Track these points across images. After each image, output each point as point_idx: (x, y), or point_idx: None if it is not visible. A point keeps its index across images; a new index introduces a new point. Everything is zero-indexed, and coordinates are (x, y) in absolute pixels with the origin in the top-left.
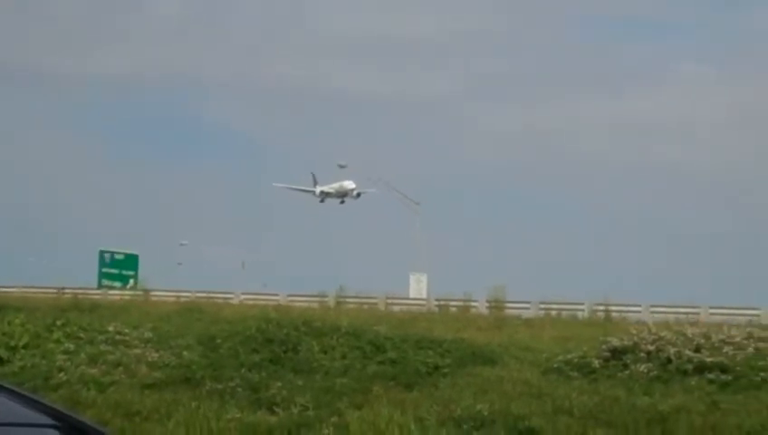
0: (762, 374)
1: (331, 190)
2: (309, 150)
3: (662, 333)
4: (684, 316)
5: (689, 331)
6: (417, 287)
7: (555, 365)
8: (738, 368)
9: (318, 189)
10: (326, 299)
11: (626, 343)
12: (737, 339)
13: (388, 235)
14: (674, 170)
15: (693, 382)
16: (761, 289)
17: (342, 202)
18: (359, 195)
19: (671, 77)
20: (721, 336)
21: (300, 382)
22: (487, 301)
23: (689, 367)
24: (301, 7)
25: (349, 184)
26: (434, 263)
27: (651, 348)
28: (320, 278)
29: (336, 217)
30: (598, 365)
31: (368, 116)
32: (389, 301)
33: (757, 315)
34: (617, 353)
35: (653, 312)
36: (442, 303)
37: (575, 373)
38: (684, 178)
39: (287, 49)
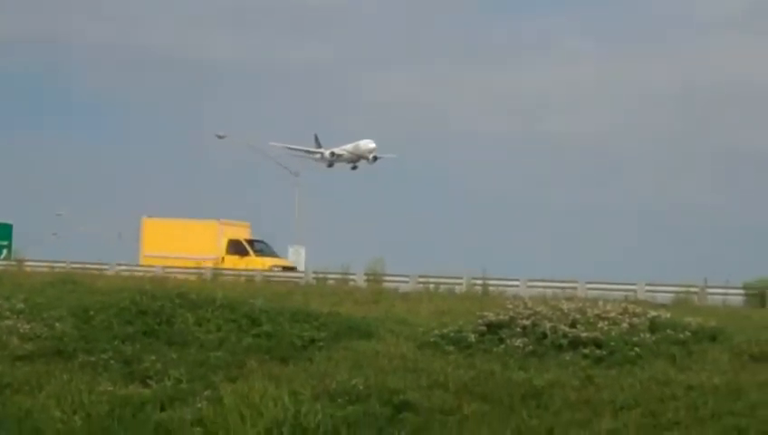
0: (636, 349)
1: (342, 152)
2: (186, 119)
3: (538, 308)
4: (561, 291)
5: (565, 306)
6: (296, 259)
7: (431, 339)
8: (613, 343)
9: (327, 151)
10: (202, 271)
11: (502, 317)
12: (612, 314)
13: (269, 205)
14: (558, 143)
15: (568, 357)
16: (638, 263)
17: (355, 168)
18: (375, 159)
19: (557, 51)
20: (596, 311)
21: (174, 355)
22: (365, 274)
23: (564, 342)
24: None
25: (367, 144)
26: (313, 235)
27: (527, 323)
28: None
29: (223, 185)
30: (474, 340)
31: (250, 84)
32: (266, 273)
33: (633, 291)
34: (493, 328)
35: (530, 286)
36: (320, 275)
37: (451, 347)
38: (567, 150)
39: (166, 18)
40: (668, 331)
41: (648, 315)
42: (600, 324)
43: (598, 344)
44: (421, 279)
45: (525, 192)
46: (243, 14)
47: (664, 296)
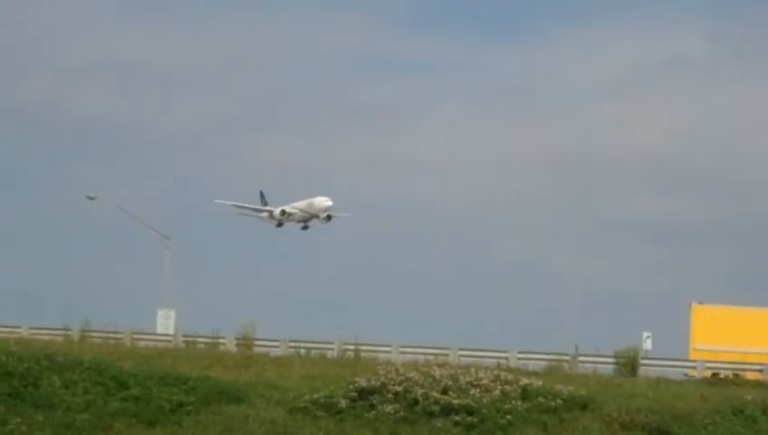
0: (507, 417)
1: (294, 211)
2: (51, 180)
3: (410, 374)
4: (433, 357)
5: (437, 372)
6: (165, 323)
7: (302, 405)
8: (484, 410)
9: (276, 210)
10: (70, 333)
11: (373, 383)
12: (484, 381)
13: (140, 268)
14: (432, 207)
15: (439, 424)
16: (511, 330)
17: (306, 227)
18: (329, 217)
19: (432, 114)
20: (469, 378)
21: (40, 418)
22: (236, 338)
23: (436, 408)
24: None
25: (322, 201)
26: (183, 298)
27: (399, 389)
28: (65, 309)
29: (86, 246)
30: (345, 405)
31: (123, 146)
32: (136, 336)
33: (506, 358)
34: (364, 394)
35: (402, 352)
36: (190, 339)
37: (322, 413)
38: (442, 214)
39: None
40: (540, 399)
41: (521, 383)
42: (473, 391)
43: (469, 411)
44: (292, 343)
45: (401, 256)
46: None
47: (536, 364)
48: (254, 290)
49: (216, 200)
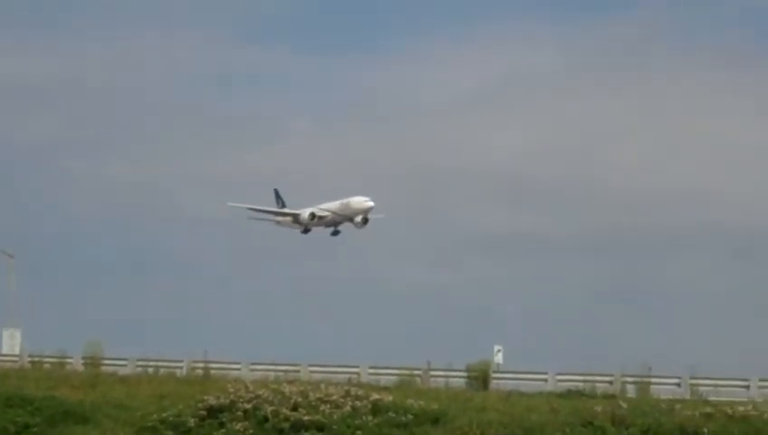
0: (358, 433)
1: (325, 214)
2: None
3: (260, 391)
4: (283, 374)
5: (287, 389)
6: (11, 343)
7: (150, 424)
8: (335, 426)
9: (305, 212)
10: None
11: (223, 401)
12: (335, 397)
13: None
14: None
15: None
16: (362, 347)
17: (336, 233)
18: (366, 221)
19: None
20: (319, 395)
21: None
22: (83, 357)
23: (286, 426)
24: None
25: (362, 202)
26: (29, 317)
27: (248, 406)
28: None
29: None
30: (193, 424)
31: None
32: None
33: (357, 373)
34: (213, 412)
35: (253, 369)
36: (36, 359)
37: (170, 432)
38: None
39: None
40: (391, 414)
41: (371, 398)
42: (323, 408)
43: (320, 428)
44: (141, 362)
45: (245, 272)
46: None
47: (388, 379)
48: (101, 308)
49: (229, 203)
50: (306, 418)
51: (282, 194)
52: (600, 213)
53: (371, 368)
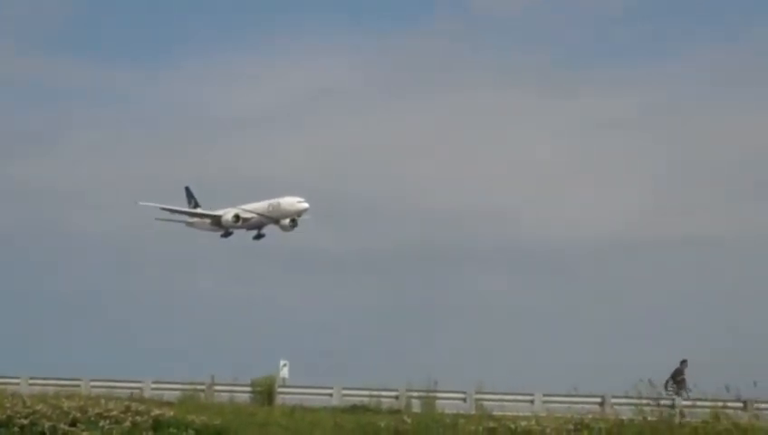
0: None
1: (250, 216)
2: None
3: (37, 406)
4: (63, 389)
5: (66, 404)
6: None
7: None
8: None
9: (228, 214)
10: None
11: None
12: (114, 413)
13: None
14: (81, 234)
15: None
16: (147, 361)
17: (260, 236)
18: (294, 222)
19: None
20: (98, 410)
21: None
22: None
23: None
24: None
25: (294, 203)
26: None
27: (25, 422)
28: None
29: None
30: None
31: None
32: None
33: (139, 388)
34: None
35: (32, 384)
36: None
37: None
38: (81, 239)
39: None
40: (172, 429)
41: (152, 413)
42: (102, 423)
43: None
44: None
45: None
46: None
47: (171, 394)
48: None
49: (140, 202)
50: (85, 433)
51: (193, 193)
52: (392, 228)
53: (155, 382)
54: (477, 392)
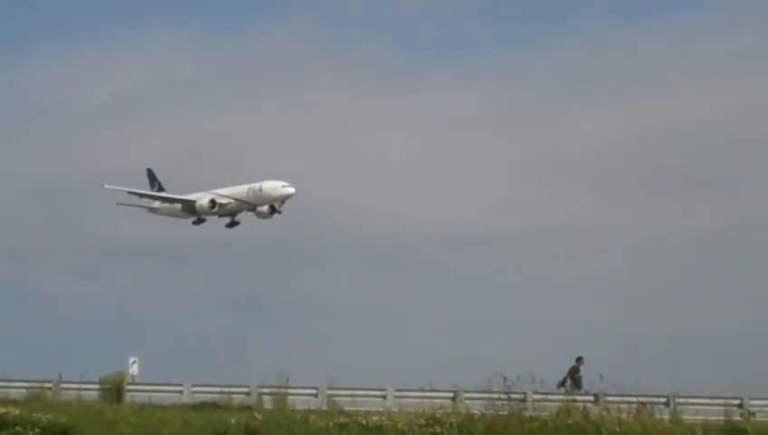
0: None
1: (227, 201)
2: None
3: None
4: None
5: None
6: None
7: None
8: None
9: (203, 199)
10: None
11: None
12: None
13: None
14: None
15: None
16: None
17: (234, 224)
18: (273, 210)
19: None
20: None
21: None
22: None
23: None
24: None
25: (278, 188)
26: None
27: None
28: None
29: None
30: None
31: None
32: None
33: None
34: None
35: None
36: None
37: None
38: None
39: None
40: (18, 428)
41: None
42: None
43: None
44: None
45: None
46: None
47: (18, 392)
48: None
49: (106, 185)
50: None
51: (157, 176)
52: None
53: (1, 381)
54: (329, 388)
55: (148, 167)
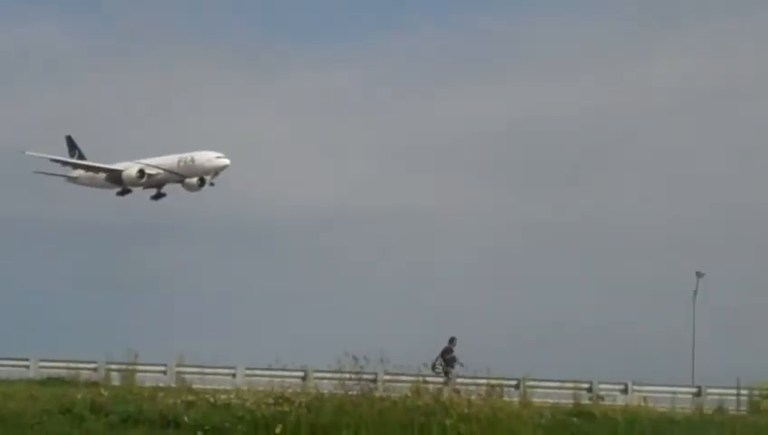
0: None
1: (156, 171)
2: None
3: None
4: None
5: None
6: None
7: None
8: None
9: (132, 169)
10: None
11: None
12: None
13: None
14: None
15: None
16: None
17: (160, 196)
18: (203, 182)
19: None
20: None
21: None
22: None
23: None
24: None
25: (212, 159)
26: None
27: None
28: None
29: None
30: None
31: None
32: None
33: None
34: None
35: None
36: None
37: None
38: None
39: None
40: None
41: None
42: None
43: None
44: None
45: None
46: None
47: None
48: None
49: (27, 152)
50: None
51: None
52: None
53: None
54: (178, 365)
55: (68, 134)
